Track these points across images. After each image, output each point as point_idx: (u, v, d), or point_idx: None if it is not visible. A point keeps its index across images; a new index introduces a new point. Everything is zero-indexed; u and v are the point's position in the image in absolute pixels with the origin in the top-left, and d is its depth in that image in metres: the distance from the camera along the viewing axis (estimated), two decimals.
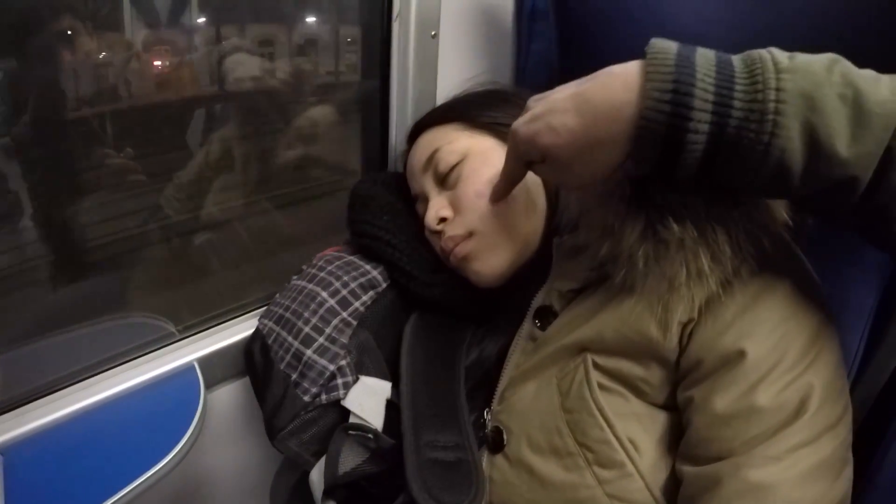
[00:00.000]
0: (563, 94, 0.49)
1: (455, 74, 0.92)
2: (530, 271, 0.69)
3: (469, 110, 0.74)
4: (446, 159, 0.70)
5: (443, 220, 0.70)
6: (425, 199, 0.73)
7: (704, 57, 0.43)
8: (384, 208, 0.78)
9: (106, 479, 0.64)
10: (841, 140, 0.39)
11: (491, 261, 0.68)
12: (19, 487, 0.63)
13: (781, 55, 0.42)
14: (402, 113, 0.92)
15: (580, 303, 0.61)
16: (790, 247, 0.56)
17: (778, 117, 0.40)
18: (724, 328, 0.52)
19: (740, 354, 0.50)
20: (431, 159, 0.72)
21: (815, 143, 0.40)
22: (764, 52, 0.42)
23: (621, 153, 0.46)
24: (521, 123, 0.52)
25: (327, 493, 0.65)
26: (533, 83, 1.00)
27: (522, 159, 0.55)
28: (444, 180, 0.71)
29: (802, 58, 0.41)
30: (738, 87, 0.41)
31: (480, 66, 0.97)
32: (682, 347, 0.54)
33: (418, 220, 0.76)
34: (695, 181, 0.45)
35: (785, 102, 0.39)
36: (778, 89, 0.40)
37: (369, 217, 0.78)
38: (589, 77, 0.48)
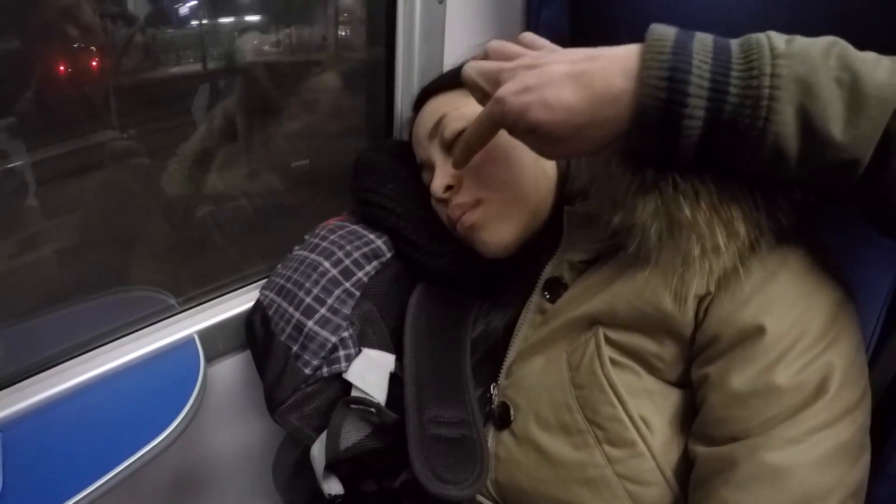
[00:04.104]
0: (559, 69, 0.47)
1: (463, 40, 0.90)
2: (540, 241, 0.67)
3: None
4: (453, 126, 0.68)
5: (450, 188, 0.68)
6: (431, 167, 0.71)
7: (702, 43, 0.43)
8: (389, 176, 0.77)
9: (104, 455, 0.63)
10: (836, 124, 0.40)
11: (499, 230, 0.66)
12: (19, 464, 0.63)
13: (779, 39, 0.42)
14: (407, 79, 0.90)
15: (592, 274, 0.59)
16: (809, 223, 0.54)
17: (772, 103, 0.40)
18: (742, 302, 0.50)
19: (759, 330, 0.49)
20: (438, 126, 0.70)
21: (809, 127, 0.40)
22: (762, 37, 0.43)
23: (617, 133, 0.47)
24: (509, 92, 0.49)
25: (329, 468, 0.64)
26: None
27: (501, 127, 0.53)
28: (451, 147, 0.69)
29: (800, 41, 0.42)
30: (734, 73, 0.42)
31: (489, 32, 0.95)
32: (698, 322, 0.52)
33: (424, 188, 0.74)
34: (695, 163, 0.46)
35: (779, 88, 0.40)
36: (773, 75, 0.40)
37: (374, 185, 0.76)
38: (586, 56, 0.48)
